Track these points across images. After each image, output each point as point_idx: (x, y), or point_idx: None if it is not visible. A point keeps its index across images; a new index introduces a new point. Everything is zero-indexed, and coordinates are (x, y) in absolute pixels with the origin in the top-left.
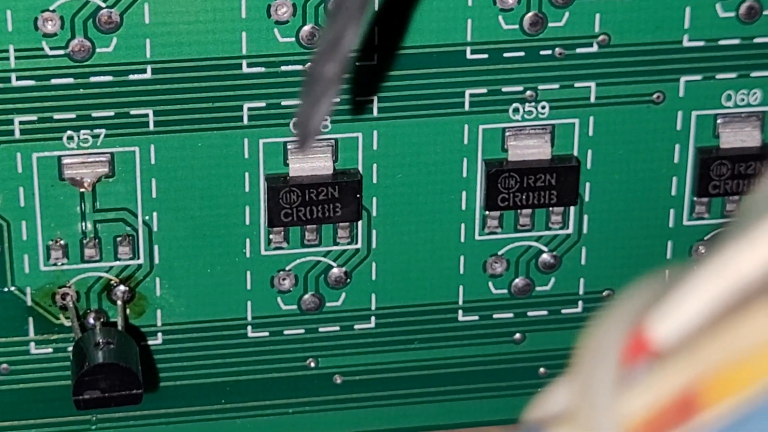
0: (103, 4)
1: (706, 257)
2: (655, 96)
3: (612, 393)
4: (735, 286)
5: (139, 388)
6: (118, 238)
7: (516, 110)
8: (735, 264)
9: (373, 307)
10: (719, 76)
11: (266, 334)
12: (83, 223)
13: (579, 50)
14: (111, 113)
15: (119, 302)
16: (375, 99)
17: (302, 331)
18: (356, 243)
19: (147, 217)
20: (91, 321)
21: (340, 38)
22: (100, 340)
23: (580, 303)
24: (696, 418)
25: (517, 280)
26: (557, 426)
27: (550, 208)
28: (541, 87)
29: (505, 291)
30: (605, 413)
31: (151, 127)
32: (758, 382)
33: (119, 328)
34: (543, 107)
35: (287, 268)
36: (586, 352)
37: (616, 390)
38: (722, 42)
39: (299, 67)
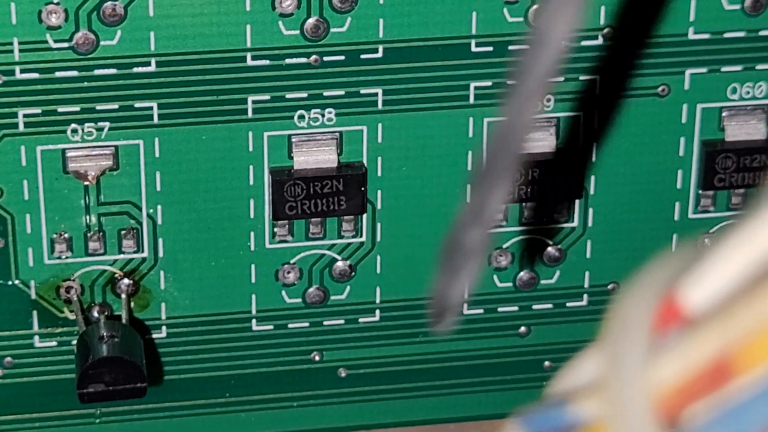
0: None
1: (738, 226)
2: (660, 89)
3: (643, 361)
4: (766, 254)
5: (143, 381)
6: (123, 232)
7: None
8: (765, 233)
9: (377, 301)
10: (724, 68)
11: (271, 327)
12: (87, 217)
13: (584, 43)
14: (115, 106)
15: (123, 295)
16: (380, 92)
17: (307, 324)
18: (361, 236)
19: (151, 211)
20: (96, 314)
21: (485, 203)
22: (105, 334)
23: (585, 296)
24: (730, 384)
25: (521, 274)
26: (585, 398)
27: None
28: None
29: (510, 284)
30: (636, 381)
31: (156, 120)
32: None
33: (123, 321)
34: (548, 100)
35: (292, 262)
36: (616, 320)
37: (647, 358)
38: (728, 35)
39: (304, 60)
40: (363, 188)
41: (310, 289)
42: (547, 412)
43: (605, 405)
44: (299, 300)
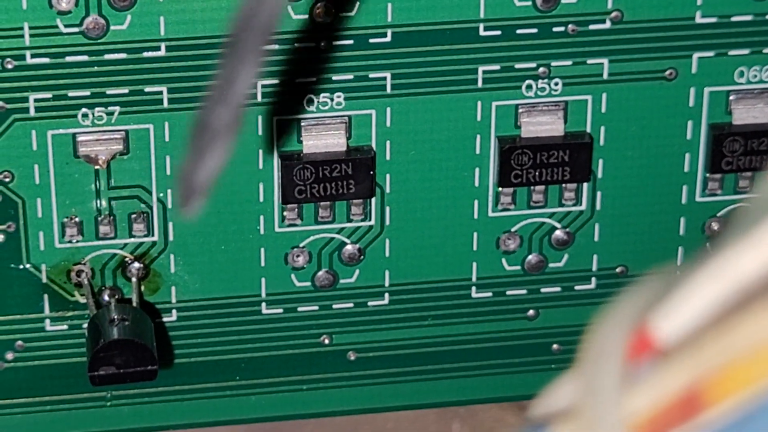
0: None
1: (709, 257)
2: (667, 72)
3: (616, 391)
4: (738, 285)
5: (154, 364)
6: (133, 215)
7: (529, 87)
8: (737, 264)
9: (386, 284)
10: (732, 52)
11: (280, 310)
12: (98, 201)
13: (592, 27)
14: (125, 90)
15: (134, 279)
16: (388, 76)
17: (316, 307)
18: (370, 220)
19: (161, 194)
20: (106, 298)
21: (232, 82)
22: (115, 317)
23: (593, 279)
24: (700, 415)
25: (530, 257)
26: (562, 423)
27: (563, 185)
28: (554, 63)
29: (518, 267)
30: (610, 411)
31: (166, 104)
32: (761, 381)
33: (134, 304)
34: (556, 84)
35: (301, 245)
36: (591, 350)
37: (621, 388)
38: (735, 18)
39: (313, 45)
40: (372, 172)
41: (320, 273)
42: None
43: (580, 429)
44: (308, 283)
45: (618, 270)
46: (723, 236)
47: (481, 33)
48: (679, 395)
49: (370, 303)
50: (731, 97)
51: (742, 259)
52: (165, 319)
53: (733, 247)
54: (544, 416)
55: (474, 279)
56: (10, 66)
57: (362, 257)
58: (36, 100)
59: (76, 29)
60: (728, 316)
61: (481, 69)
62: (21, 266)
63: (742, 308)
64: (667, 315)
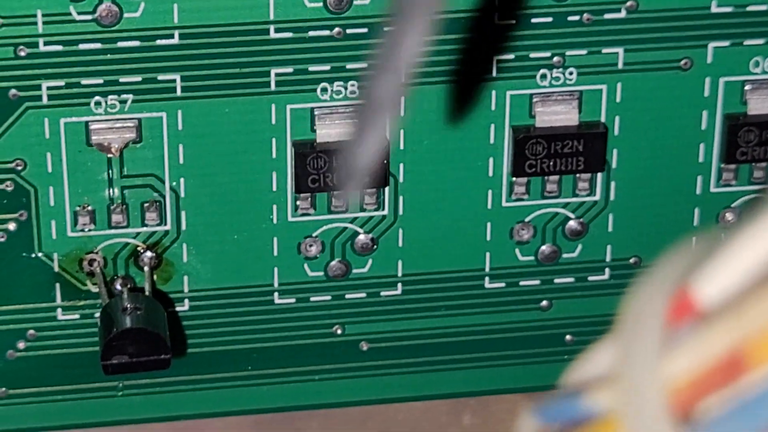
0: None
1: (752, 218)
2: (682, 62)
3: (656, 354)
4: None
5: (167, 353)
6: (146, 204)
7: (543, 76)
8: None
9: (399, 274)
10: (747, 42)
11: (293, 300)
12: (110, 189)
13: (607, 16)
14: (138, 78)
15: (146, 268)
16: None
17: (329, 297)
18: (383, 209)
19: (174, 183)
20: (118, 287)
21: (397, 50)
22: (128, 306)
23: (606, 270)
24: (742, 378)
25: (543, 247)
26: (599, 389)
27: (577, 175)
28: (568, 53)
29: (531, 258)
30: (649, 375)
31: (179, 92)
32: None
33: (146, 293)
34: (570, 73)
35: (314, 235)
36: (630, 314)
37: (661, 351)
38: (750, 8)
39: (327, 33)
40: (385, 161)
41: (332, 263)
42: (562, 403)
43: (619, 398)
44: (321, 273)
45: (632, 261)
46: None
47: (496, 22)
48: (721, 358)
49: (382, 293)
50: (746, 87)
51: None
52: (177, 309)
53: None
54: (579, 383)
55: (487, 269)
56: (23, 53)
57: (375, 247)
58: (49, 88)
59: (89, 17)
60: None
61: (495, 59)
62: (33, 255)
63: None
64: (708, 277)
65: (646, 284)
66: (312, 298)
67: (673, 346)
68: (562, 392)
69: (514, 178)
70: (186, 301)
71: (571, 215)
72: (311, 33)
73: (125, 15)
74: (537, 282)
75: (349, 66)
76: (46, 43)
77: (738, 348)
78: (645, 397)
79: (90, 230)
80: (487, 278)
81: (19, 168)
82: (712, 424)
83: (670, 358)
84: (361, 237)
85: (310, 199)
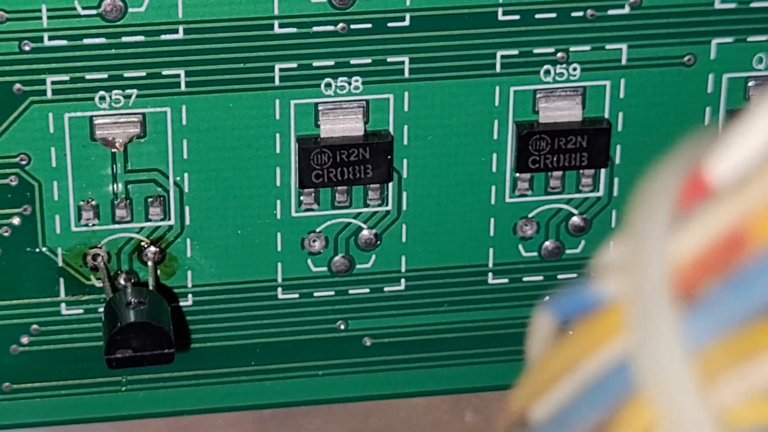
0: None
1: (762, 100)
2: (686, 58)
3: (662, 234)
4: None
5: (171, 347)
6: (149, 199)
7: (547, 72)
8: None
9: (402, 270)
10: (751, 38)
11: (296, 295)
12: (114, 184)
13: (610, 12)
14: (143, 73)
15: (150, 263)
16: (406, 60)
17: (332, 293)
18: (387, 205)
19: (178, 178)
20: (122, 282)
21: None
22: (132, 300)
23: None
24: (745, 253)
25: (547, 243)
26: (608, 276)
27: (581, 171)
28: (572, 49)
29: (535, 254)
30: (654, 254)
31: (183, 87)
32: None
33: (150, 288)
34: (574, 69)
35: (318, 230)
36: (642, 195)
37: (668, 231)
38: (754, 4)
39: (331, 28)
40: (389, 157)
41: (336, 258)
42: (573, 294)
43: (624, 279)
44: (325, 268)
45: None
46: None
47: (500, 17)
48: (723, 235)
49: (386, 288)
50: (750, 84)
51: None
52: (181, 304)
53: None
54: (592, 273)
55: (490, 265)
56: (27, 48)
57: (379, 242)
58: (53, 83)
59: (93, 11)
60: None
61: (499, 54)
62: (37, 249)
63: None
64: (720, 157)
65: (660, 168)
66: (315, 294)
67: (682, 226)
68: (575, 284)
69: (517, 174)
70: (189, 295)
71: (575, 211)
72: (315, 28)
73: (130, 10)
74: (540, 278)
75: (353, 61)
76: (50, 38)
77: (740, 224)
78: (649, 276)
79: (94, 225)
80: (490, 274)
81: (24, 162)
82: (711, 300)
83: (678, 236)
84: (365, 232)
85: (313, 194)
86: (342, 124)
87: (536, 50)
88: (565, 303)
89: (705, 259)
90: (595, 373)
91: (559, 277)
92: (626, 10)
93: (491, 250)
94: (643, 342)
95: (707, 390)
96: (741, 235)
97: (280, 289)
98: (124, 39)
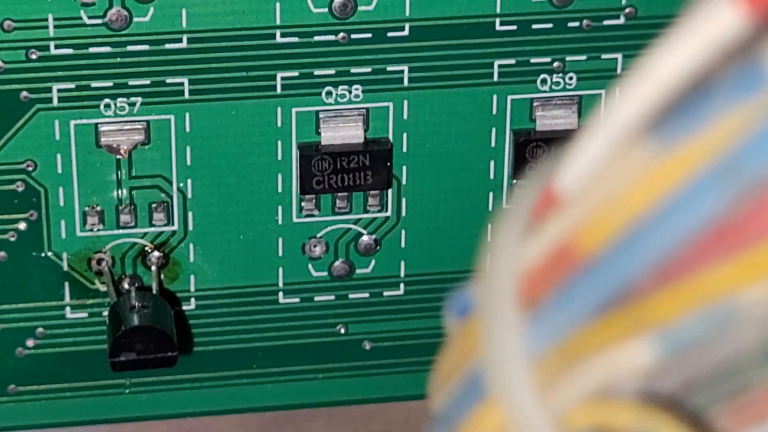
0: None
1: (602, 112)
2: None
3: (512, 244)
4: (622, 130)
5: (174, 350)
6: (153, 205)
7: (544, 81)
8: (626, 103)
9: (402, 275)
10: None
11: (297, 300)
12: (119, 190)
13: (606, 22)
14: (147, 82)
15: (154, 268)
16: (406, 69)
17: (332, 297)
18: (386, 211)
19: (182, 184)
20: (126, 286)
21: None
22: (136, 304)
23: None
24: (573, 262)
25: None
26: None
27: None
28: (568, 58)
29: None
30: (503, 262)
31: (187, 95)
32: (626, 220)
33: (154, 292)
34: (570, 78)
35: (318, 235)
36: (503, 210)
37: (518, 242)
38: None
39: (332, 38)
40: (389, 163)
41: (336, 263)
42: (459, 296)
43: (479, 287)
44: (325, 273)
45: None
46: None
47: (498, 28)
48: (557, 245)
49: (385, 293)
50: None
51: (628, 99)
52: (184, 308)
53: (623, 95)
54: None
55: None
56: (34, 56)
57: (378, 248)
58: (59, 90)
59: (99, 21)
60: (609, 164)
61: (497, 63)
62: (43, 254)
63: (619, 155)
64: (565, 168)
65: (522, 182)
66: (316, 298)
67: (530, 237)
68: (463, 286)
69: (515, 181)
70: (192, 300)
71: None
72: (316, 38)
73: (135, 19)
74: None
75: (353, 70)
76: (57, 47)
77: (569, 234)
78: (495, 284)
79: (99, 230)
80: None
81: (30, 169)
82: (546, 308)
83: (525, 246)
84: (365, 238)
85: (314, 200)
86: (342, 132)
87: (533, 60)
88: (456, 302)
89: (543, 269)
90: (466, 374)
91: None
92: (621, 20)
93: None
94: (489, 348)
95: (545, 394)
96: (570, 245)
97: (281, 294)
98: (129, 48)
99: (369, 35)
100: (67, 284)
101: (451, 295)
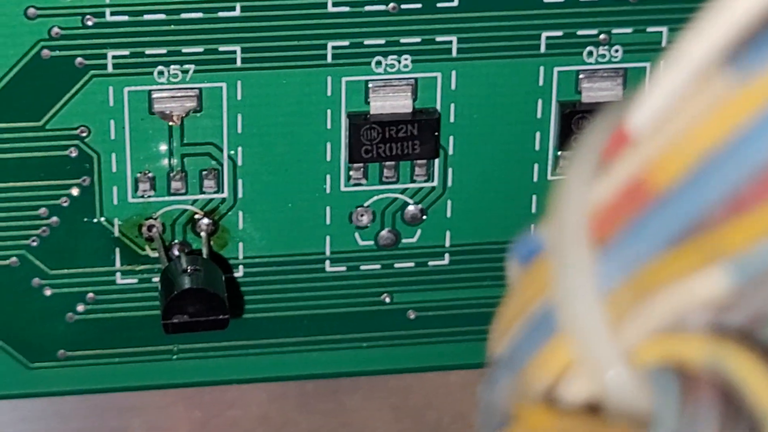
0: None
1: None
2: None
3: (583, 183)
4: (697, 65)
5: (226, 313)
6: (204, 172)
7: (590, 53)
8: (701, 37)
9: (447, 244)
10: None
11: (343, 268)
12: (170, 157)
13: None
14: (200, 49)
15: (203, 234)
16: (455, 40)
17: (378, 266)
18: (432, 181)
19: (232, 152)
20: (176, 252)
21: None
22: (188, 267)
23: None
24: (646, 199)
25: None
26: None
27: None
28: (614, 31)
29: None
30: (573, 201)
31: (239, 63)
32: (700, 152)
33: (204, 256)
34: (616, 51)
35: (365, 205)
36: (573, 152)
37: (589, 182)
38: None
39: (383, 7)
40: (436, 133)
41: (383, 232)
42: (527, 239)
43: (550, 226)
44: (371, 242)
45: None
46: None
47: (545, 0)
48: (629, 181)
49: (430, 263)
50: None
51: (697, 40)
52: (231, 275)
53: (696, 32)
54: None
55: None
56: (90, 23)
57: (424, 217)
58: (114, 57)
59: None
60: (681, 101)
61: (544, 35)
62: (94, 220)
63: (692, 92)
64: (637, 108)
65: (592, 125)
66: (362, 267)
67: (601, 176)
68: (531, 230)
69: (560, 152)
70: (240, 267)
71: None
72: (367, 7)
73: None
74: None
75: (402, 40)
76: (112, 13)
77: (642, 171)
78: (566, 223)
79: (150, 196)
80: None
81: (84, 135)
82: (617, 244)
83: (595, 187)
84: (411, 207)
85: (362, 169)
86: (391, 101)
87: (579, 32)
88: (521, 247)
89: (615, 205)
90: (534, 315)
91: None
92: None
93: (533, 227)
94: (560, 285)
95: (616, 329)
96: (643, 180)
97: (327, 262)
98: (183, 15)
99: (419, 5)
100: (117, 250)
101: (516, 241)
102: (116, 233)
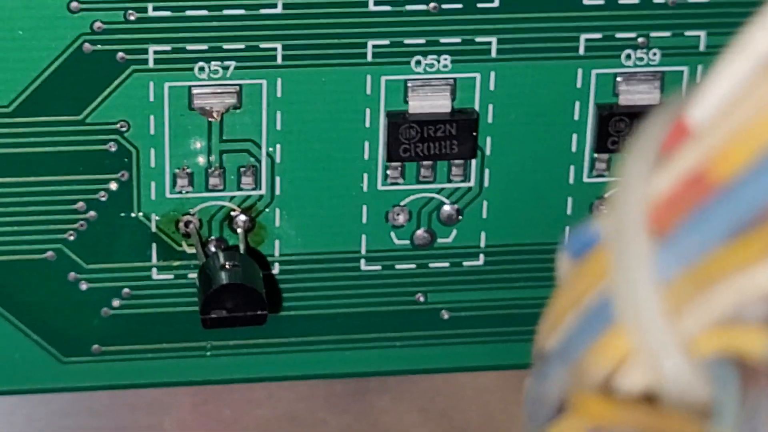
0: None
1: (736, 39)
2: None
3: (642, 175)
4: (757, 60)
5: (264, 309)
6: (242, 169)
7: (628, 56)
8: (759, 34)
9: (482, 245)
10: None
11: (379, 267)
12: (209, 153)
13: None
14: (241, 46)
15: (240, 231)
16: (494, 41)
17: (413, 266)
18: (469, 181)
19: (271, 149)
20: (213, 248)
21: None
22: (226, 263)
23: None
24: (706, 189)
25: None
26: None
27: None
28: (653, 34)
29: None
30: (633, 192)
31: (279, 61)
32: (762, 145)
33: (242, 252)
34: (654, 54)
35: (402, 204)
36: (633, 143)
37: (649, 172)
38: None
39: (423, 7)
40: (474, 133)
41: (418, 232)
42: (581, 232)
43: (609, 218)
44: (407, 242)
45: None
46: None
47: (585, 2)
48: (690, 173)
49: (465, 263)
50: None
51: (761, 31)
52: (267, 272)
53: (757, 25)
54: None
55: None
56: (132, 18)
57: (460, 218)
58: (155, 52)
59: None
60: (744, 94)
61: (583, 37)
62: (132, 215)
63: (754, 84)
64: (697, 100)
65: (651, 116)
66: (397, 266)
67: (660, 168)
68: (584, 223)
69: (596, 155)
70: (276, 264)
71: None
72: (408, 7)
73: None
74: None
75: (442, 40)
76: (154, 9)
77: (703, 162)
78: (625, 213)
79: (188, 192)
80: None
81: (123, 129)
82: (677, 235)
83: (655, 178)
84: (447, 207)
85: (399, 168)
86: (430, 101)
87: (618, 35)
88: (575, 241)
89: (674, 197)
90: (589, 306)
91: None
92: None
93: (568, 229)
94: (619, 276)
95: (674, 319)
96: (704, 172)
97: (363, 261)
98: (225, 12)
99: (459, 6)
100: (154, 245)
101: (569, 234)
102: (153, 228)
